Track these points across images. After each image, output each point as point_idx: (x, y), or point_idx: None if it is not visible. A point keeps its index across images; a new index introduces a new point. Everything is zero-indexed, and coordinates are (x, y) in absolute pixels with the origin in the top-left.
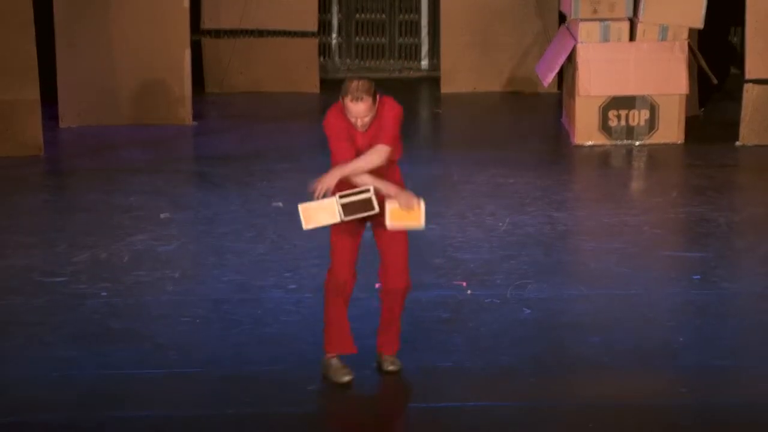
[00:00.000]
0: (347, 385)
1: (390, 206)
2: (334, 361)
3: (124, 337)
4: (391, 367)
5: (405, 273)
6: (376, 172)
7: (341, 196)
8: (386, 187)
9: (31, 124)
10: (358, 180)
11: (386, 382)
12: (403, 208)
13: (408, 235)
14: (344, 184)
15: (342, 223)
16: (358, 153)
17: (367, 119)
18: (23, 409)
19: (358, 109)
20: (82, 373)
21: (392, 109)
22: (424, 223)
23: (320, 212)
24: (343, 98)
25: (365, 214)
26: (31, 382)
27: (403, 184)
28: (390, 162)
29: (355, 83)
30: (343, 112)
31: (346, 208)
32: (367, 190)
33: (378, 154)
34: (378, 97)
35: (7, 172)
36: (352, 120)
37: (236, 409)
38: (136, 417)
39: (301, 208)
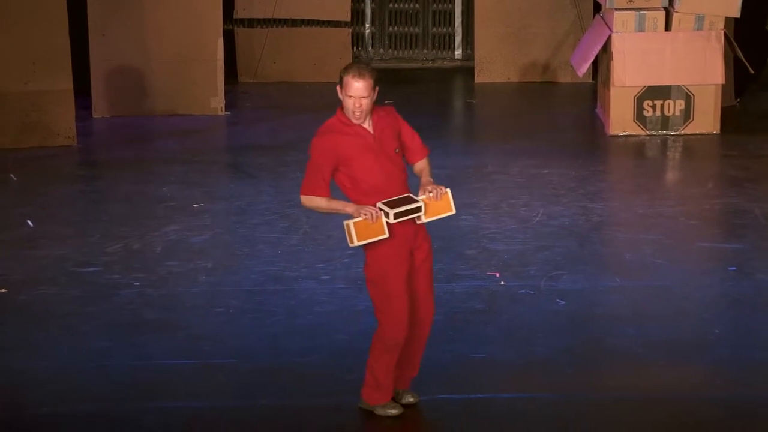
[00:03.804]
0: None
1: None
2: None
3: (157, 328)
4: (411, 399)
5: (433, 300)
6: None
7: (387, 212)
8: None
9: (64, 114)
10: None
11: (420, 374)
12: (434, 199)
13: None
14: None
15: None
16: (376, 156)
17: (365, 103)
18: (58, 399)
19: (359, 87)
20: (116, 363)
21: (397, 115)
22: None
23: (368, 228)
24: (342, 78)
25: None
26: (66, 372)
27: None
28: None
29: (357, 63)
30: (336, 126)
31: (397, 216)
32: (419, 207)
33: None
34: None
35: (41, 163)
36: (350, 106)
37: (269, 399)
38: (169, 407)
39: (349, 224)
